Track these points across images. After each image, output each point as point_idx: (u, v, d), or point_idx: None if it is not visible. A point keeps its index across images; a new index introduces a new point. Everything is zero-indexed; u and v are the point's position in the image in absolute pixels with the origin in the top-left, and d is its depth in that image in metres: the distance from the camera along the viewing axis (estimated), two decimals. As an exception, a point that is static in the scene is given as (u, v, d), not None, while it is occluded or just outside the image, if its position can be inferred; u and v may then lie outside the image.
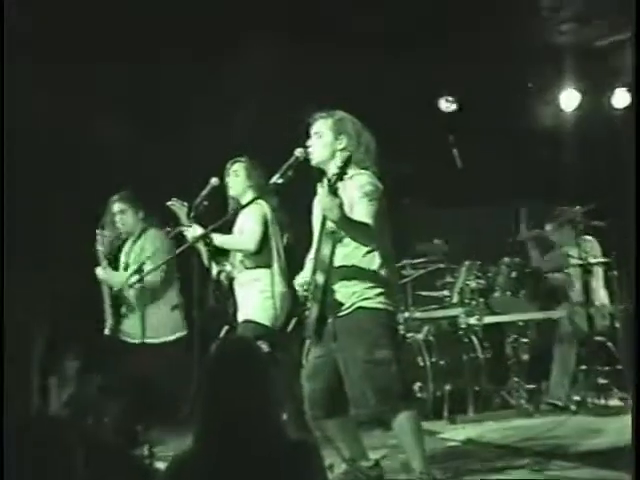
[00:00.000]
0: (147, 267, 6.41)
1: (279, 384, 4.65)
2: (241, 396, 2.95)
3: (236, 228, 6.39)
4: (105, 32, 7.92)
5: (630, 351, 7.06)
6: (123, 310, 6.96)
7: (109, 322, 6.95)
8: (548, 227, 8.29)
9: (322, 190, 4.59)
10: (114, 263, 7.08)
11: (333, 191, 4.54)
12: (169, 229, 6.47)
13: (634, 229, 4.89)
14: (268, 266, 6.32)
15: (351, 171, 4.85)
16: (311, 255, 5.21)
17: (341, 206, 4.55)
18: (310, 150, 5.13)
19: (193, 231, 6.20)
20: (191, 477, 2.92)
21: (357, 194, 4.84)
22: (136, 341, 6.53)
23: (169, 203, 6.38)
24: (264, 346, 5.58)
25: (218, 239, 6.15)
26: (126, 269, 6.94)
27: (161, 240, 6.90)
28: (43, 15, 7.36)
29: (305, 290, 5.10)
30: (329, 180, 4.58)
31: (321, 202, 4.60)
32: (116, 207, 7.05)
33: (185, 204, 6.33)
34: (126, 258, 7.03)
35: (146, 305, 6.61)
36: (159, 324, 6.73)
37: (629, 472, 5.01)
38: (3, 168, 6.79)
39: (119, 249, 7.15)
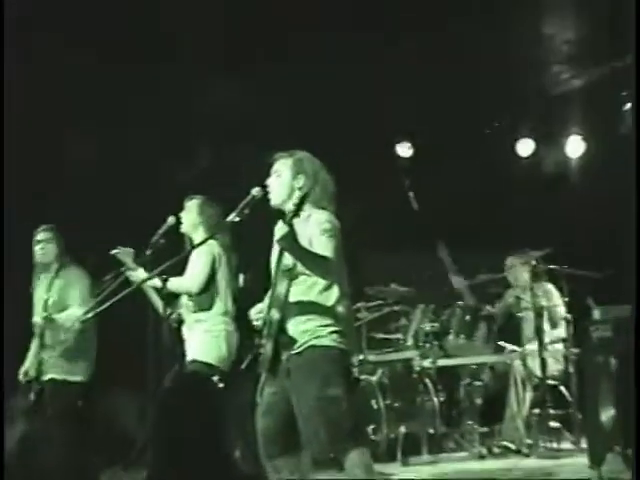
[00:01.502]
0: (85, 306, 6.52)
1: (232, 421, 4.65)
2: (193, 429, 2.95)
3: (188, 269, 6.41)
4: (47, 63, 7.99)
5: (583, 395, 7.12)
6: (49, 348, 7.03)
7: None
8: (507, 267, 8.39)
9: (278, 224, 4.65)
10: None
11: (288, 225, 4.61)
12: (109, 276, 6.44)
13: (634, 239, 4.98)
14: (210, 308, 6.37)
15: (309, 210, 4.96)
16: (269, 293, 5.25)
17: (294, 236, 4.61)
18: (269, 189, 5.17)
19: (137, 275, 6.25)
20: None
21: (316, 231, 4.89)
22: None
23: (113, 251, 6.40)
24: (217, 382, 5.58)
25: (168, 282, 6.11)
26: (45, 304, 6.98)
27: (85, 279, 7.10)
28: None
29: (257, 320, 5.13)
30: (285, 217, 4.65)
31: (275, 232, 4.66)
32: (40, 236, 7.18)
33: (131, 250, 6.37)
34: (46, 293, 7.06)
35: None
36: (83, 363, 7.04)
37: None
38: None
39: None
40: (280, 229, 4.62)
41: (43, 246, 7.16)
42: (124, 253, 6.37)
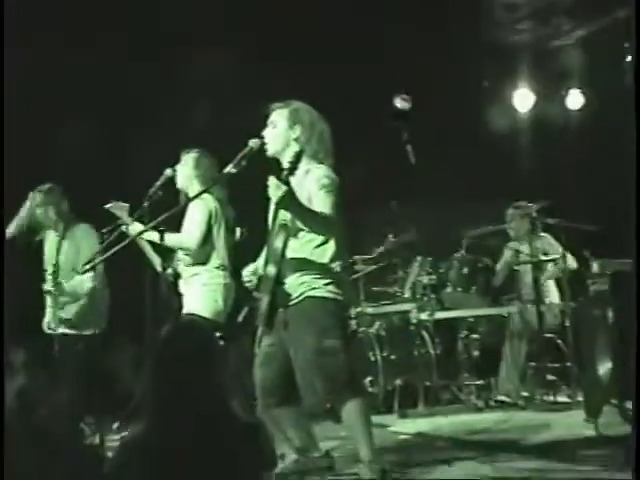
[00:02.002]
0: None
1: (229, 371, 4.65)
2: (191, 377, 2.95)
3: (184, 224, 6.37)
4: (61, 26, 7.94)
5: (579, 348, 7.12)
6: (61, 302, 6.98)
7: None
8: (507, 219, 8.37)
9: (270, 179, 4.63)
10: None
11: (285, 183, 4.59)
12: (105, 230, 6.40)
13: (634, 226, 4.95)
14: (207, 262, 6.35)
15: (308, 165, 4.96)
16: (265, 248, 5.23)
17: (292, 196, 4.59)
18: (265, 140, 5.14)
19: (133, 228, 6.19)
20: (141, 459, 2.92)
21: (314, 187, 4.87)
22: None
23: (107, 206, 6.37)
24: (215, 333, 5.58)
25: (165, 238, 6.04)
26: (56, 270, 6.91)
27: (93, 237, 6.98)
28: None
29: (249, 280, 5.13)
30: (281, 175, 4.63)
31: (269, 189, 4.63)
32: (38, 199, 7.01)
33: (125, 204, 6.33)
34: (55, 257, 6.99)
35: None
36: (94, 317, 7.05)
37: (574, 463, 5.13)
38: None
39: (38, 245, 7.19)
40: (276, 189, 4.59)
41: (41, 210, 7.01)
42: (118, 207, 6.33)
